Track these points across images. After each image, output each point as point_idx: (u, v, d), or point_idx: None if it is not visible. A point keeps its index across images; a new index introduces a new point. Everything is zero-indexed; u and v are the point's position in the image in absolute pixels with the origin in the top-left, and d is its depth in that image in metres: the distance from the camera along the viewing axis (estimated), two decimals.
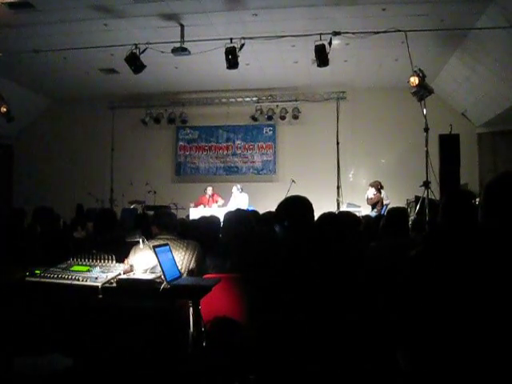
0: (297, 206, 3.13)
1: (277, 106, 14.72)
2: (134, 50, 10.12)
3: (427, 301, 2.17)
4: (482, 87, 11.52)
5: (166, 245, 3.68)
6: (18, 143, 15.92)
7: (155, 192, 13.37)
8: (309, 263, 2.84)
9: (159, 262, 3.35)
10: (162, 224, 4.25)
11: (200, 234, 4.37)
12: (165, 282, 3.33)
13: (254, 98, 14.73)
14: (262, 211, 8.35)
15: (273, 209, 8.11)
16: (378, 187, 12.24)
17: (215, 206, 12.65)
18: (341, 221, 4.11)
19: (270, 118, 14.73)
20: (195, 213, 11.89)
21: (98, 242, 5.05)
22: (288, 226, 3.06)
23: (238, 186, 12.83)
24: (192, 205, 12.73)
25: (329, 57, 9.78)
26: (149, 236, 4.25)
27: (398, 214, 4.42)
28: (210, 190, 13.04)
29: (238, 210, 4.56)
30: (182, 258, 3.99)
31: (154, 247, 3.43)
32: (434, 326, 2.11)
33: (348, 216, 4.43)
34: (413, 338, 2.24)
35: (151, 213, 12.76)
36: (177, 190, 14.64)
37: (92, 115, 15.39)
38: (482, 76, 11.11)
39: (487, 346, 1.93)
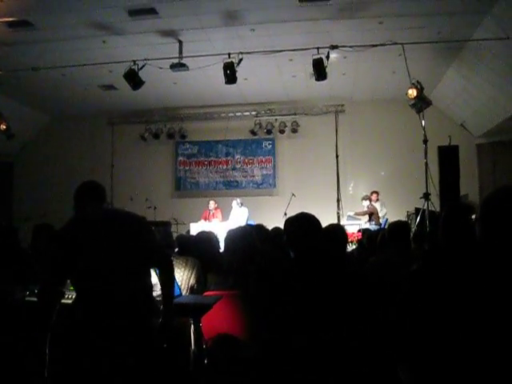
0: (303, 231, 3.11)
1: (275, 119, 14.74)
2: (133, 67, 10.17)
3: (426, 317, 2.16)
4: (480, 98, 11.55)
5: None
6: (18, 160, 15.93)
7: (155, 207, 13.34)
8: (310, 287, 2.83)
9: None
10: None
11: (200, 251, 4.36)
12: None
13: (253, 113, 14.76)
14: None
15: (273, 223, 8.11)
16: (370, 198, 12.34)
17: (216, 220, 12.63)
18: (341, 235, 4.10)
19: (269, 131, 14.75)
20: (196, 228, 11.88)
21: None
22: (295, 256, 3.08)
23: (238, 201, 12.84)
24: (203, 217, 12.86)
25: (327, 70, 9.82)
26: None
27: (400, 228, 4.40)
28: (212, 205, 13.02)
29: (241, 227, 4.54)
30: (181, 275, 3.98)
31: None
32: (432, 342, 2.09)
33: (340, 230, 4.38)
34: (413, 354, 2.23)
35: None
36: (177, 205, 14.65)
37: (92, 131, 15.46)
38: (480, 87, 11.15)
39: (486, 364, 1.91)
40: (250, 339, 3.62)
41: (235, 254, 3.96)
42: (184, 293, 3.83)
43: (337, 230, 4.04)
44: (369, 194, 12.55)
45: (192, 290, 3.96)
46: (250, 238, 4.07)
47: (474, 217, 2.24)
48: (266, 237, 5.12)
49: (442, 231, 2.57)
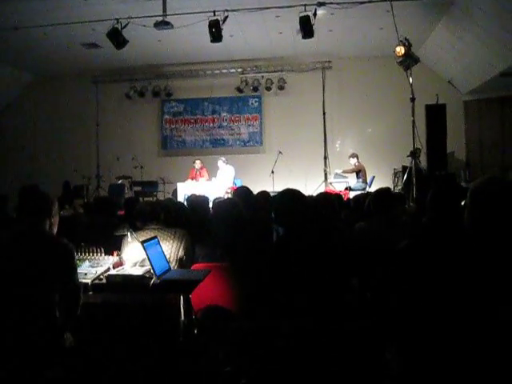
0: (290, 208, 3.13)
1: (262, 76, 14.56)
2: (116, 25, 9.95)
3: (413, 298, 2.22)
4: (469, 55, 11.46)
5: (155, 237, 3.68)
6: (1, 120, 15.66)
7: (142, 167, 13.31)
8: (299, 263, 2.86)
9: (148, 257, 3.35)
10: (144, 217, 4.24)
11: (188, 223, 4.37)
12: (154, 277, 3.34)
13: (239, 70, 14.55)
14: (249, 183, 8.40)
15: (261, 181, 8.08)
16: (357, 156, 12.36)
17: (202, 180, 12.61)
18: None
19: (255, 89, 14.60)
20: (183, 187, 11.88)
21: (88, 226, 5.05)
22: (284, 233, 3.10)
23: (223, 159, 12.77)
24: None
25: (314, 27, 9.69)
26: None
27: (383, 197, 4.44)
28: (198, 164, 12.95)
29: (227, 199, 4.56)
30: (170, 247, 4.00)
31: (143, 242, 3.43)
32: (420, 323, 2.15)
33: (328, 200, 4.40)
34: (401, 335, 2.28)
35: (139, 189, 12.81)
36: (164, 164, 14.62)
37: (76, 90, 15.14)
38: (469, 44, 11.04)
39: (472, 342, 1.98)
40: (238, 310, 3.68)
41: (222, 226, 3.98)
42: (173, 265, 3.86)
43: (325, 202, 4.06)
44: (355, 152, 12.51)
45: (181, 262, 3.99)
46: (236, 209, 4.08)
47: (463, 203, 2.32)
48: (251, 203, 5.13)
49: (431, 209, 2.61)
